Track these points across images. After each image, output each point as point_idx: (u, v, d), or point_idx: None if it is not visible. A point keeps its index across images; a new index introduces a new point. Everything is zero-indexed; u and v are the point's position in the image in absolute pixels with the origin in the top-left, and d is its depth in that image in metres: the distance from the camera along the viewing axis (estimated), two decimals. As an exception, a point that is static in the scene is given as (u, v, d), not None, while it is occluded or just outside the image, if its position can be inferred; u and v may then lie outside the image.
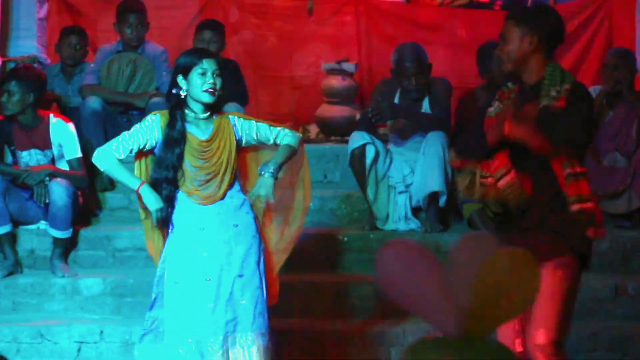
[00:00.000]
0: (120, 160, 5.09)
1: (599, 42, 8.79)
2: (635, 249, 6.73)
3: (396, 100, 7.02)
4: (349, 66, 8.68)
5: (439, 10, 9.03)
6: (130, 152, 5.10)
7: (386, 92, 7.10)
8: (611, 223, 7.01)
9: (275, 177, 5.10)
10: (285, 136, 5.19)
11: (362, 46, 9.21)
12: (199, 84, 5.00)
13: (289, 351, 6.12)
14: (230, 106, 7.18)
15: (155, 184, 5.06)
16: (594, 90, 7.21)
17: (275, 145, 5.21)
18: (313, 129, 8.70)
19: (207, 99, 5.01)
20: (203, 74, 5.00)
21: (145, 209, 5.12)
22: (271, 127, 5.19)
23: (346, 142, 7.10)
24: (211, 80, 4.99)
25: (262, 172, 5.12)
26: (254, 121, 5.19)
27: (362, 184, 6.88)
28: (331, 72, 8.68)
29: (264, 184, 5.09)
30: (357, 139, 6.87)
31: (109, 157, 5.06)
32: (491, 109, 4.57)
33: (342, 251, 6.83)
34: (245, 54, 8.92)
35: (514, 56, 4.50)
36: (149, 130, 5.08)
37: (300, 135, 5.31)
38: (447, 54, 8.67)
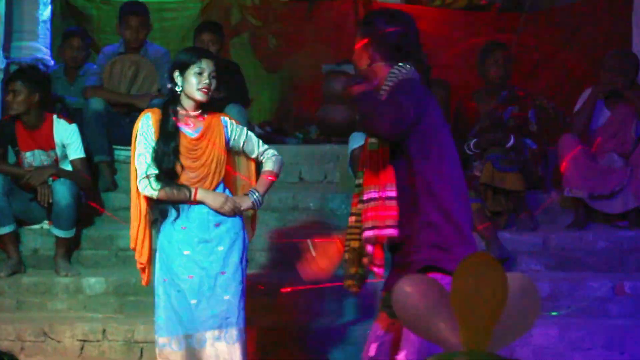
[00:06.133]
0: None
1: (595, 43, 8.82)
2: (631, 248, 6.78)
3: (395, 101, 7.04)
4: (348, 67, 8.70)
5: (438, 12, 9.07)
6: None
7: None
8: (608, 223, 7.06)
9: (257, 205, 5.22)
10: (269, 159, 5.27)
11: (362, 48, 9.23)
12: (195, 82, 5.08)
13: (290, 350, 6.17)
14: (232, 107, 7.22)
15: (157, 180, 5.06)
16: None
17: (256, 160, 5.29)
18: (314, 130, 8.74)
19: (201, 97, 5.09)
20: (200, 74, 5.08)
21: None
22: (259, 144, 5.28)
23: (346, 142, 7.14)
24: (207, 81, 5.08)
25: (248, 194, 5.21)
26: (246, 130, 5.28)
27: (362, 184, 6.92)
28: (331, 73, 8.71)
29: (243, 202, 5.17)
30: (357, 139, 6.88)
31: (154, 186, 5.07)
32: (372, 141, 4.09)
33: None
34: (247, 55, 8.94)
35: (358, 68, 4.16)
36: (148, 132, 5.11)
37: (281, 158, 5.32)
38: (447, 56, 8.70)
